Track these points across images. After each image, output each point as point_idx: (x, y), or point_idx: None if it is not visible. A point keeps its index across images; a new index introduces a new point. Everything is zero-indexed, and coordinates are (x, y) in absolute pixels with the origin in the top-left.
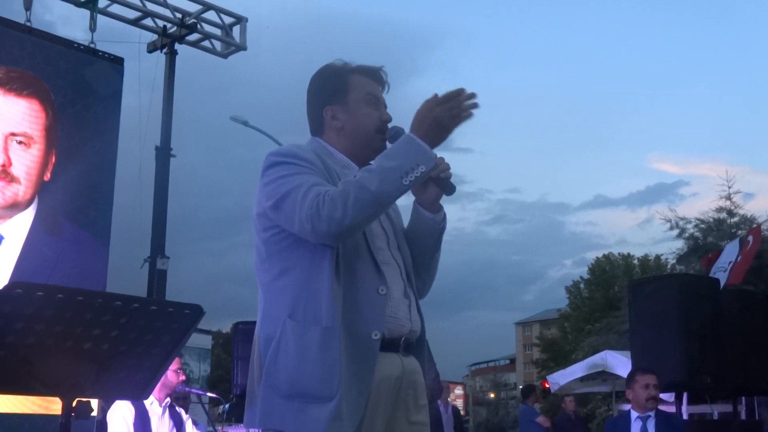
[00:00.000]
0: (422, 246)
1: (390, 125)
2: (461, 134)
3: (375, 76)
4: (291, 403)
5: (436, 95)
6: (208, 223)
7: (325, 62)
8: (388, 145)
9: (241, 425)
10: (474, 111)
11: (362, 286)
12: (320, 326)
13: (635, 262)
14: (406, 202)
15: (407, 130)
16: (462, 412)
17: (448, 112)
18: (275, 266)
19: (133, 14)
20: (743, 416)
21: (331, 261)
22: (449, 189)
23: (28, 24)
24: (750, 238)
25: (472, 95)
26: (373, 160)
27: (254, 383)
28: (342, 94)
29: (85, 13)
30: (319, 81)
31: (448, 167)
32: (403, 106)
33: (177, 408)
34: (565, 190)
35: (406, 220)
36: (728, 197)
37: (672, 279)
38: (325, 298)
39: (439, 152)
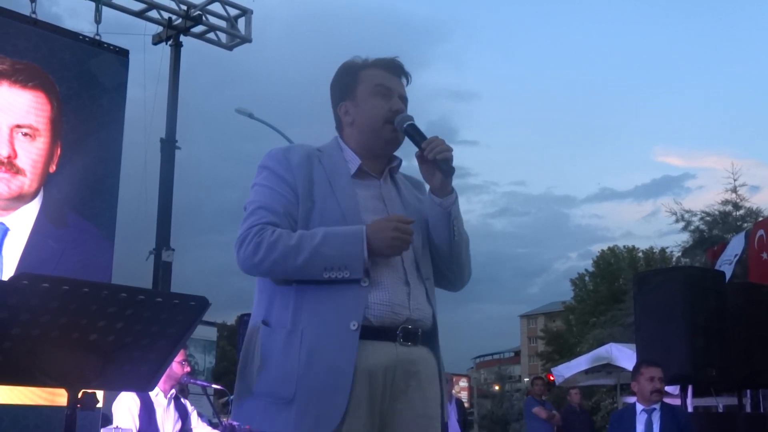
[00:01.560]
0: (438, 234)
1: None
2: (467, 127)
3: (388, 67)
4: (259, 402)
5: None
6: (213, 216)
7: (330, 54)
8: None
9: None
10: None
11: (342, 282)
12: (285, 329)
13: (640, 255)
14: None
15: (416, 119)
16: (466, 405)
17: (396, 239)
18: None
19: (138, 6)
20: (748, 409)
21: None
22: (446, 170)
23: (34, 16)
24: (761, 232)
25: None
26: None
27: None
28: (352, 89)
29: (91, 5)
30: (334, 79)
31: (446, 149)
32: (408, 98)
33: (182, 399)
34: (571, 183)
35: None
36: (734, 190)
37: (677, 272)
38: (292, 301)
39: None
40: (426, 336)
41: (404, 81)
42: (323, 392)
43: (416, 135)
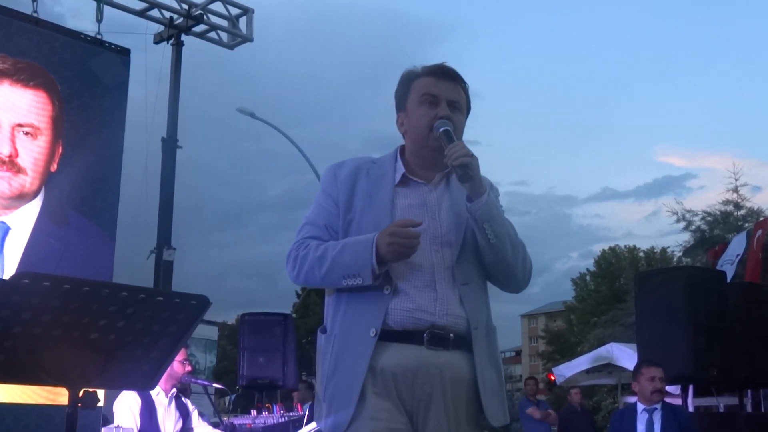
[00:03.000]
0: (477, 237)
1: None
2: (468, 127)
3: (436, 74)
4: (317, 402)
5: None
6: (214, 215)
7: (331, 54)
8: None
9: (247, 416)
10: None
11: (368, 289)
12: (326, 335)
13: (641, 254)
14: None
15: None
16: None
17: (391, 245)
18: None
19: (139, 5)
20: (749, 409)
21: None
22: (460, 176)
23: (35, 15)
24: (760, 232)
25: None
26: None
27: None
28: (404, 100)
29: (94, 4)
30: (395, 91)
31: (463, 155)
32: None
33: (183, 399)
34: (573, 183)
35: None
36: (735, 190)
37: (678, 272)
38: (333, 309)
39: None
40: (460, 340)
41: (456, 85)
42: (342, 393)
43: (447, 141)
